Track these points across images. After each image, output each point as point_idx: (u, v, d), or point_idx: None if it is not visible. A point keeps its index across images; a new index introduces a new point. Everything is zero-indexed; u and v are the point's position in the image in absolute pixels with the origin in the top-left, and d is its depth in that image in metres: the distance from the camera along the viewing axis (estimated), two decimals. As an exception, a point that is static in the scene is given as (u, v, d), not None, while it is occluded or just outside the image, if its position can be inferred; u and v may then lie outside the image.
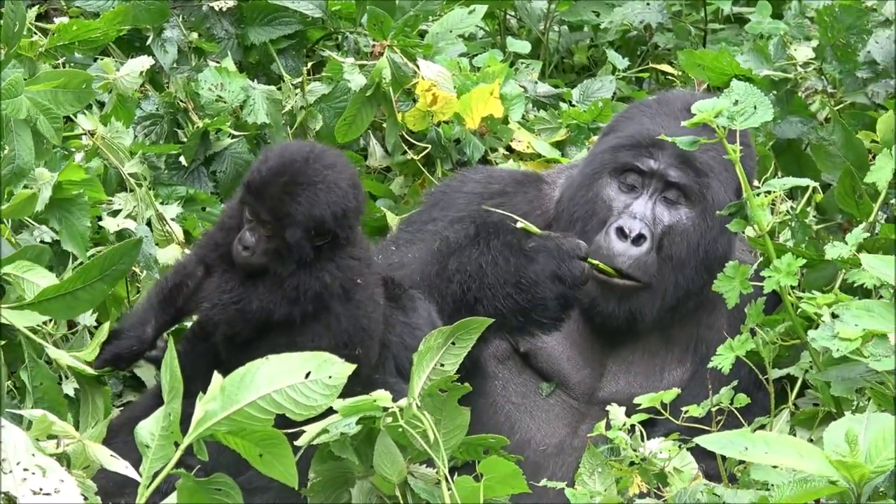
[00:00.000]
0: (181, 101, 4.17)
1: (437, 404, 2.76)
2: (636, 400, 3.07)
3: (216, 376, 2.56)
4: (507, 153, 4.41)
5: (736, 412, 3.14)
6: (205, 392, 2.56)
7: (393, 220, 4.12)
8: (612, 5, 5.48)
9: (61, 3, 4.45)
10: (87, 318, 3.21)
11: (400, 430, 2.69)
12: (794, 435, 3.19)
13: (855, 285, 3.18)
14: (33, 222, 3.29)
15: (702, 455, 2.82)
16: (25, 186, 3.13)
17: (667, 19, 5.47)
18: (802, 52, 4.28)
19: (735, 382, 3.18)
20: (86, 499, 2.68)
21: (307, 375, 2.54)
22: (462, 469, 2.80)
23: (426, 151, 4.25)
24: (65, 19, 3.66)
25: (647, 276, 3.45)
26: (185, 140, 4.13)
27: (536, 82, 4.86)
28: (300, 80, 4.25)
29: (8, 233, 3.21)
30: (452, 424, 2.78)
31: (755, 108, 3.11)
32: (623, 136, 3.57)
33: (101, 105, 3.89)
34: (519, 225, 3.31)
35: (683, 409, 3.13)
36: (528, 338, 3.41)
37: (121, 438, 2.99)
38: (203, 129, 4.11)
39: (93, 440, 2.84)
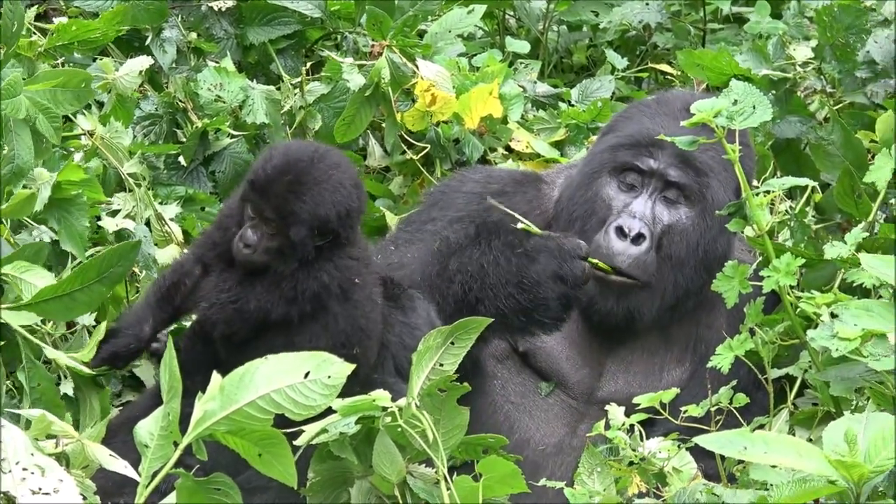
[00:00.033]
0: (180, 101, 4.17)
1: (436, 404, 2.76)
2: (635, 399, 3.07)
3: (215, 376, 2.56)
4: (506, 153, 4.41)
5: (735, 412, 3.14)
6: (204, 392, 2.56)
7: (392, 219, 4.12)
8: (610, 5, 5.48)
9: (60, 3, 4.45)
10: (86, 318, 3.20)
11: (399, 429, 2.69)
12: (794, 435, 3.19)
13: (854, 285, 3.18)
14: (32, 222, 3.28)
15: (701, 455, 2.82)
16: (24, 186, 3.13)
17: (666, 19, 5.47)
18: (801, 51, 4.28)
19: (734, 382, 3.18)
20: (85, 498, 2.68)
21: (306, 375, 2.54)
22: (461, 469, 2.79)
23: (425, 151, 4.25)
24: (64, 19, 3.66)
25: (647, 276, 3.45)
26: (184, 140, 4.13)
27: (535, 82, 4.86)
28: (299, 79, 4.25)
29: (7, 233, 3.21)
30: (451, 424, 2.78)
31: (754, 107, 3.10)
32: (623, 136, 3.57)
33: (101, 105, 3.89)
34: (519, 225, 3.31)
35: (682, 408, 3.13)
36: (528, 338, 3.42)
37: (120, 438, 2.98)
38: (202, 129, 4.11)
39: (92, 440, 2.84)
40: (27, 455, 2.53)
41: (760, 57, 4.23)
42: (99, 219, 3.61)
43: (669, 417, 3.09)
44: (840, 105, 4.31)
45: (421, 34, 4.50)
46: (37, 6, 4.40)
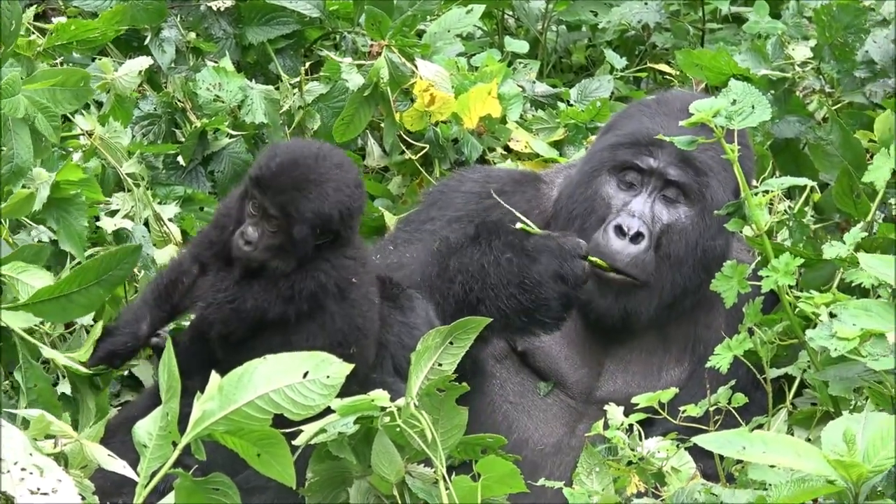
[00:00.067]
0: (179, 100, 4.17)
1: (434, 404, 2.76)
2: (634, 399, 3.07)
3: (214, 376, 2.56)
4: (505, 153, 4.41)
5: (734, 412, 3.14)
6: (202, 391, 2.56)
7: (391, 219, 4.12)
8: (609, 5, 5.48)
9: (59, 2, 4.45)
10: (84, 318, 3.20)
11: (398, 429, 2.69)
12: (792, 434, 3.19)
13: (853, 285, 3.18)
14: (31, 222, 3.28)
15: (699, 454, 2.82)
16: (23, 186, 3.12)
17: (665, 19, 5.47)
18: (800, 51, 4.28)
19: (733, 382, 3.18)
20: (83, 498, 2.68)
21: (305, 375, 2.54)
22: (460, 468, 2.80)
23: (424, 151, 4.25)
24: (63, 19, 3.65)
25: (645, 275, 3.45)
26: (182, 140, 4.13)
27: (534, 82, 4.86)
28: (298, 79, 4.25)
29: (6, 233, 3.20)
30: (450, 424, 2.78)
31: (753, 107, 3.11)
32: (622, 135, 3.57)
33: (99, 105, 3.89)
34: (518, 225, 3.31)
35: (681, 408, 3.13)
36: (528, 338, 3.41)
37: (118, 438, 2.98)
38: (201, 129, 4.11)
39: (90, 440, 2.84)
40: (26, 455, 2.53)
41: (759, 57, 4.23)
42: (97, 219, 3.61)
43: (668, 417, 3.09)
44: (839, 105, 4.31)
45: (420, 34, 4.50)
46: (35, 6, 4.40)
